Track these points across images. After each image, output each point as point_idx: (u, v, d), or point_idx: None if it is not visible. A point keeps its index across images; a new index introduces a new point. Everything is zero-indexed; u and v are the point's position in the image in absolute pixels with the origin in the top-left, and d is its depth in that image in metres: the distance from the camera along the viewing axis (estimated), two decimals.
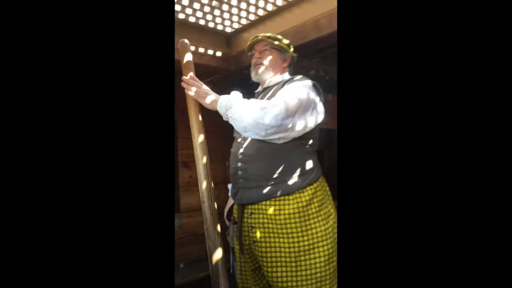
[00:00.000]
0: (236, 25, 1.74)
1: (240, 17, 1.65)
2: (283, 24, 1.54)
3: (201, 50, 1.72)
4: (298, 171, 1.12)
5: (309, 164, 1.15)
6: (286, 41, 1.31)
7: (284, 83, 1.25)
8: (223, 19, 1.66)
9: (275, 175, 1.12)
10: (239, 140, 1.24)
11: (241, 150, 1.19)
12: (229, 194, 1.31)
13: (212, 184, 1.11)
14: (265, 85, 1.30)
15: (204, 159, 1.10)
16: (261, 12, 1.61)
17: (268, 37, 1.28)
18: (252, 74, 1.31)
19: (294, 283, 1.09)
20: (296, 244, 1.09)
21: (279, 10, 1.57)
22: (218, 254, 1.04)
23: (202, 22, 1.67)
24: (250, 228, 1.16)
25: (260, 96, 1.28)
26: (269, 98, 1.21)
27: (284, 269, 1.09)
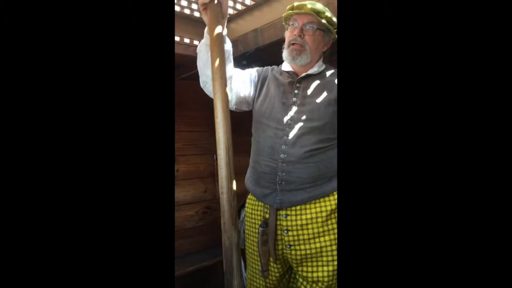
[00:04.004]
0: None
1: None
2: (271, 15, 1.50)
3: (187, 40, 1.67)
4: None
5: None
6: (334, 20, 1.09)
7: (330, 73, 1.12)
8: None
9: (323, 176, 1.05)
10: (277, 135, 1.07)
11: (285, 149, 1.05)
12: (254, 194, 1.17)
13: (233, 174, 0.93)
14: (308, 72, 1.12)
15: (226, 145, 0.91)
16: (248, 2, 1.56)
17: (317, 12, 1.05)
18: (286, 54, 1.11)
19: (335, 281, 1.05)
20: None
21: (267, 0, 1.53)
22: (234, 251, 0.93)
23: (187, 11, 1.61)
24: (285, 231, 1.07)
25: (301, 86, 1.11)
26: (315, 94, 1.08)
27: (326, 268, 1.04)
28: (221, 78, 0.91)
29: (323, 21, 1.06)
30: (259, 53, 1.62)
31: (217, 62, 0.92)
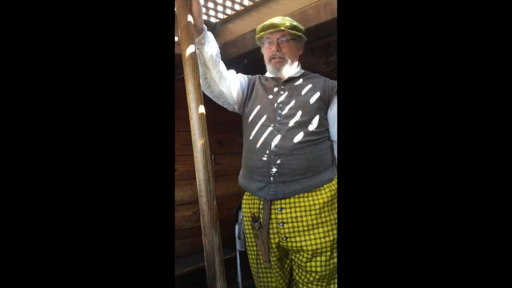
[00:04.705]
0: (221, 15, 1.69)
1: (225, 7, 1.60)
2: (270, 15, 1.51)
3: None
4: (329, 163, 1.17)
5: (333, 156, 1.20)
6: (301, 27, 1.22)
7: (308, 76, 1.24)
8: (208, 9, 1.61)
9: (312, 169, 1.13)
10: (269, 131, 1.16)
11: (276, 143, 1.13)
12: (248, 189, 1.22)
13: (212, 176, 0.92)
14: (290, 75, 1.23)
15: (203, 147, 0.90)
16: (246, 2, 1.56)
17: (286, 26, 1.17)
18: (270, 68, 1.24)
19: (328, 272, 1.12)
20: (331, 233, 1.11)
21: (265, 0, 1.53)
22: (216, 254, 0.91)
23: None
24: (281, 224, 1.12)
25: (286, 87, 1.21)
26: (300, 93, 1.18)
27: (319, 258, 1.11)
28: (194, 78, 0.90)
29: (293, 31, 1.18)
30: (257, 53, 1.62)
31: (189, 62, 0.90)
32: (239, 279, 1.30)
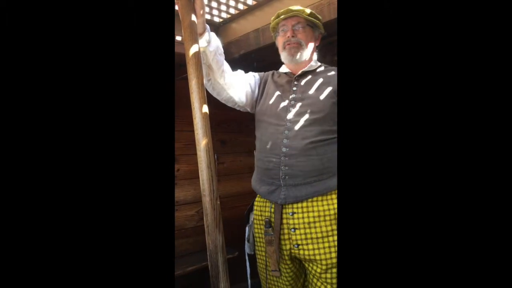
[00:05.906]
0: (224, 15, 1.69)
1: (228, 6, 1.60)
2: (273, 14, 1.51)
3: None
4: None
5: None
6: (319, 16, 1.16)
7: (324, 69, 1.16)
8: (211, 8, 1.61)
9: (327, 170, 1.03)
10: (279, 130, 1.08)
11: (286, 143, 1.05)
12: (259, 193, 1.16)
13: (215, 176, 0.91)
14: (304, 69, 1.15)
15: (206, 147, 0.89)
16: (250, 2, 1.56)
17: (302, 11, 1.10)
18: (284, 55, 1.15)
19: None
20: None
21: (269, 0, 1.53)
22: (219, 253, 0.90)
23: None
24: (292, 229, 1.05)
25: (299, 83, 1.13)
26: (314, 88, 1.10)
27: (334, 270, 1.02)
28: (197, 77, 0.90)
29: (309, 17, 1.12)
30: (260, 53, 1.62)
31: (192, 61, 0.90)
32: (248, 280, 1.26)
